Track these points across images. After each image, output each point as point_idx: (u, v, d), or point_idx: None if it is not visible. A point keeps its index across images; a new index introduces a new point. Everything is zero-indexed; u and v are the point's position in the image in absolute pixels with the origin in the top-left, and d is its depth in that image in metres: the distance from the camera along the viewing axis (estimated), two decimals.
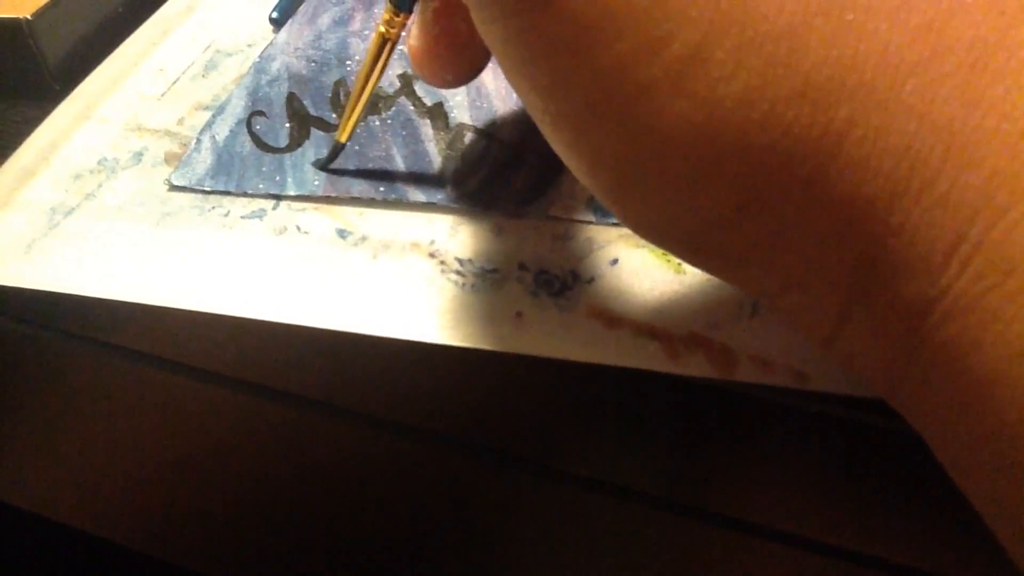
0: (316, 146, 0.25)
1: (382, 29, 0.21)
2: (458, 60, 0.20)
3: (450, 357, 0.21)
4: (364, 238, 0.23)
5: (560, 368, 0.20)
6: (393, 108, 0.25)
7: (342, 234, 0.23)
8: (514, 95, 0.25)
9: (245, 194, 0.24)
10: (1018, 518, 0.13)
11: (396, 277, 0.22)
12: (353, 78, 0.26)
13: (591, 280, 0.21)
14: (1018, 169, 0.12)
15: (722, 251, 0.15)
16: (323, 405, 0.25)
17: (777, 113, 0.13)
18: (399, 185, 0.24)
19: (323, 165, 0.24)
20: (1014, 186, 0.12)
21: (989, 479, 0.13)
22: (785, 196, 0.14)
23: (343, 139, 0.23)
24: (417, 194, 0.23)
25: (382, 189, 0.24)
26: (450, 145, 0.24)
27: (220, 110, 0.26)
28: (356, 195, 0.24)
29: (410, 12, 0.21)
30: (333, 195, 0.24)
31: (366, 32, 0.28)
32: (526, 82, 0.15)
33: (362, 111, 0.23)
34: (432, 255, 0.22)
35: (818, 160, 0.13)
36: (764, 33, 0.13)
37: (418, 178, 0.24)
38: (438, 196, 0.23)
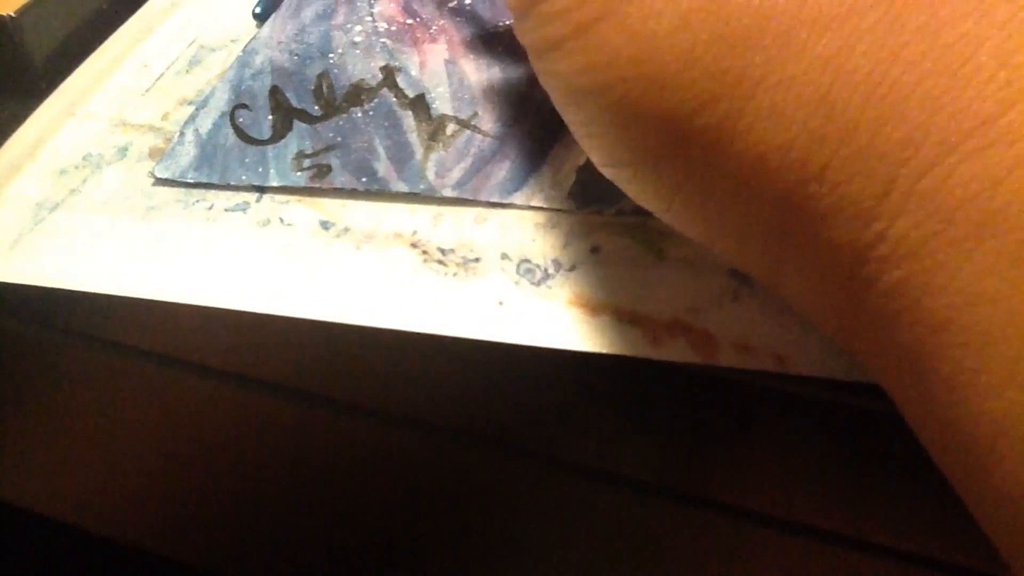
0: (299, 137, 0.25)
1: None
2: None
3: (434, 346, 0.21)
4: (347, 229, 0.23)
5: (548, 357, 0.20)
6: (376, 100, 0.25)
7: (325, 225, 0.23)
8: (496, 86, 0.25)
9: (228, 185, 0.24)
10: (977, 477, 0.13)
11: (379, 267, 0.22)
12: (336, 71, 0.27)
13: (573, 268, 0.21)
14: (943, 122, 0.12)
15: (659, 189, 0.17)
16: (310, 396, 0.26)
17: (697, 53, 0.14)
18: (381, 176, 0.24)
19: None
20: (940, 139, 0.12)
21: (947, 435, 0.13)
22: (704, 137, 0.15)
23: None
24: (400, 185, 0.23)
25: (364, 180, 0.24)
26: (432, 136, 0.24)
27: (203, 103, 0.26)
28: (339, 186, 0.24)
29: None
30: (316, 186, 0.24)
31: (349, 26, 0.28)
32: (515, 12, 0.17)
33: None
34: (414, 245, 0.22)
35: (733, 103, 0.14)
36: None
37: (401, 169, 0.24)
38: (420, 187, 0.23)
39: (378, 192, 0.23)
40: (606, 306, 0.20)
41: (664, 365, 0.20)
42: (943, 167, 0.12)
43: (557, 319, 0.20)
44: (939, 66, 0.13)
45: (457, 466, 0.27)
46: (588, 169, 0.23)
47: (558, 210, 0.23)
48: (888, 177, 0.13)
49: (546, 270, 0.21)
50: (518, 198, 0.23)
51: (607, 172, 0.18)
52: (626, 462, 0.24)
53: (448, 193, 0.23)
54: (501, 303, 0.21)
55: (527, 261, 0.22)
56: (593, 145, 0.18)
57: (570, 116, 0.17)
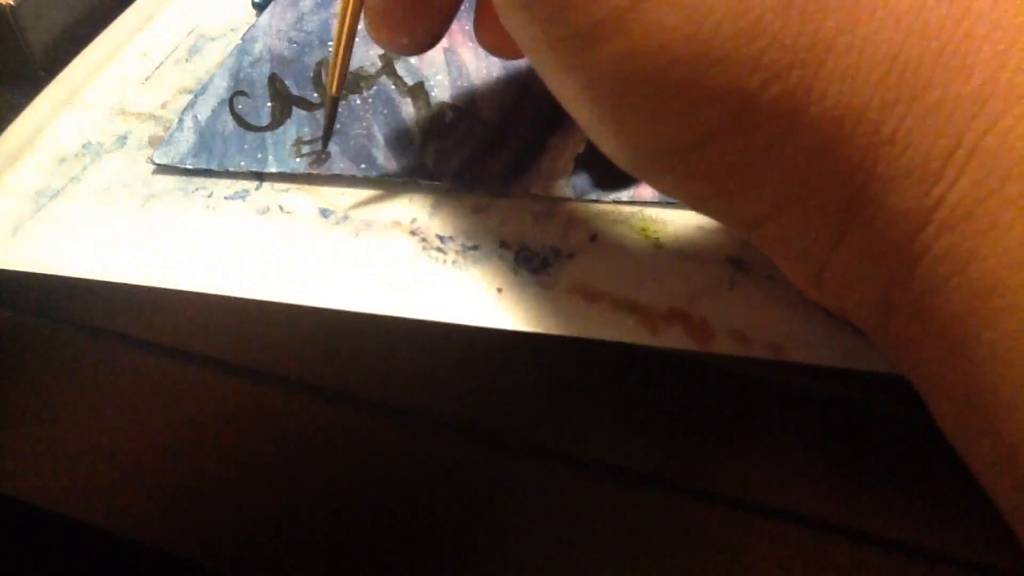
0: (298, 124, 0.25)
1: None
2: (413, 21, 0.20)
3: (432, 334, 0.21)
4: (346, 217, 0.23)
5: (546, 345, 0.20)
6: (374, 88, 0.25)
7: (324, 213, 0.23)
8: (495, 75, 0.25)
9: (227, 172, 0.24)
10: (1011, 449, 0.13)
11: (378, 255, 0.22)
12: None
13: (571, 256, 0.21)
14: (1009, 76, 0.12)
15: (710, 174, 0.15)
16: (308, 385, 0.26)
17: (765, 22, 0.13)
18: (380, 163, 0.24)
19: (326, 127, 0.23)
20: (1007, 93, 0.12)
21: (977, 406, 0.13)
22: (774, 109, 0.14)
23: (334, 90, 0.22)
24: (399, 173, 0.23)
25: (363, 167, 0.24)
26: (431, 124, 0.24)
27: (202, 90, 0.26)
28: (337, 172, 0.24)
29: None
30: (314, 173, 0.24)
31: None
32: (522, 11, 0.15)
33: (347, 53, 0.22)
34: (413, 233, 0.22)
35: (806, 71, 0.13)
36: None
37: (400, 157, 0.24)
38: (419, 175, 0.23)
39: (377, 179, 0.24)
40: (604, 294, 0.21)
41: (662, 356, 0.20)
42: (1006, 121, 0.12)
43: (555, 307, 0.20)
44: (1006, 19, 0.12)
45: (454, 455, 0.27)
46: (586, 158, 0.23)
47: (556, 198, 0.23)
48: (955, 135, 0.13)
49: (544, 258, 0.21)
50: (517, 186, 0.23)
51: (642, 166, 0.17)
52: (623, 453, 0.24)
53: (447, 181, 0.23)
54: (500, 291, 0.21)
55: (525, 249, 0.22)
56: (627, 142, 0.16)
57: (600, 113, 0.16)
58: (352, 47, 0.22)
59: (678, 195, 0.17)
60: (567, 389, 0.23)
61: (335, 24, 0.22)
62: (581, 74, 0.15)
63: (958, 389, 0.14)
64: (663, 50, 0.14)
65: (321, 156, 0.24)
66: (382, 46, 0.21)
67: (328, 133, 0.23)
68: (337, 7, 0.28)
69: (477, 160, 0.23)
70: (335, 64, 0.22)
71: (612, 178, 0.23)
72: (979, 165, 0.12)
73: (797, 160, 0.14)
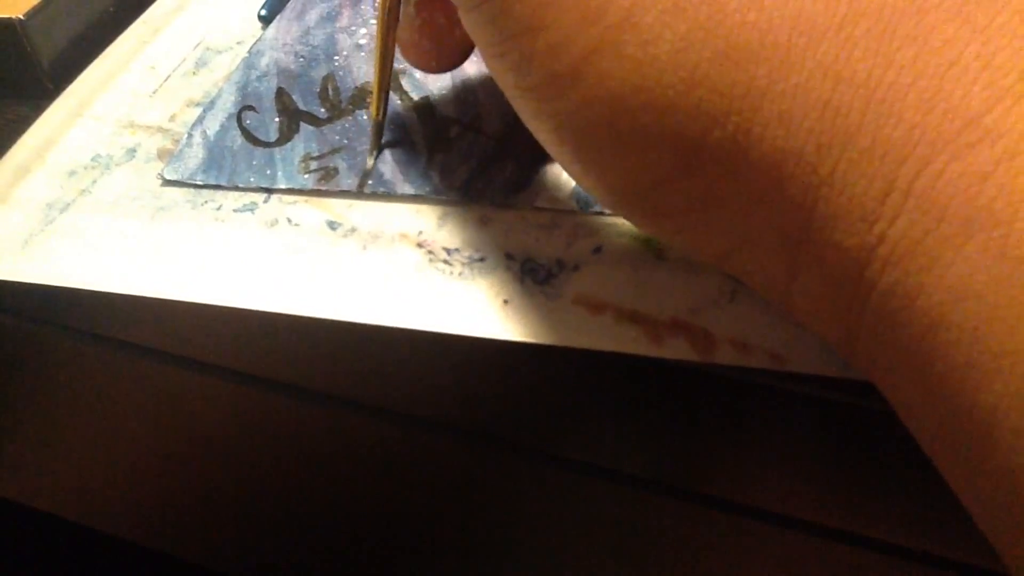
0: (305, 140, 0.25)
1: None
2: (439, 50, 0.22)
3: (438, 345, 0.21)
4: (353, 229, 0.23)
5: (552, 355, 0.21)
6: None
7: (332, 226, 0.23)
8: (499, 89, 0.26)
9: (236, 188, 0.25)
10: (972, 469, 0.13)
11: (385, 266, 0.22)
12: (341, 73, 0.27)
13: (576, 268, 0.22)
14: (936, 122, 0.13)
15: (671, 211, 0.17)
16: (316, 394, 0.26)
17: (702, 72, 0.14)
18: (388, 179, 0.24)
19: (373, 151, 0.25)
20: (933, 139, 0.13)
21: (943, 430, 0.14)
22: (716, 153, 0.15)
23: (377, 116, 0.24)
24: (405, 186, 0.24)
25: (371, 182, 0.24)
26: (437, 138, 0.25)
27: (210, 105, 0.27)
28: (345, 188, 0.24)
29: None
30: (323, 188, 0.24)
31: (353, 28, 0.28)
32: (498, 60, 0.17)
33: (386, 81, 0.24)
34: (420, 245, 0.23)
35: (743, 116, 0.14)
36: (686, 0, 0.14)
37: (406, 171, 0.24)
38: (426, 188, 0.24)
39: (384, 194, 0.24)
40: (608, 305, 0.21)
41: (664, 363, 0.20)
42: (935, 165, 0.13)
43: (560, 318, 0.21)
44: (929, 68, 0.13)
45: (459, 463, 0.27)
46: None
47: (561, 210, 0.23)
48: (889, 177, 0.13)
49: (550, 270, 0.22)
50: (522, 199, 0.23)
51: (611, 204, 0.18)
52: (625, 459, 0.24)
53: (453, 194, 0.24)
54: (506, 302, 0.21)
55: (531, 261, 0.22)
56: (595, 182, 0.17)
57: (569, 155, 0.17)
58: (390, 77, 0.24)
59: (648, 231, 0.18)
60: (569, 395, 0.23)
61: (375, 54, 0.23)
62: (549, 120, 0.17)
63: (924, 410, 0.14)
64: (615, 100, 0.15)
65: (329, 172, 0.24)
66: (414, 67, 0.23)
67: (376, 150, 0.25)
68: (343, 21, 0.28)
69: (482, 173, 0.24)
70: (376, 93, 0.24)
71: None
72: (914, 206, 0.13)
73: (743, 201, 0.15)
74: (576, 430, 0.24)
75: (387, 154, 0.25)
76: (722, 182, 0.15)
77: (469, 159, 0.24)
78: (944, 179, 0.13)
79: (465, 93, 0.26)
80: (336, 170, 0.24)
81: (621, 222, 0.23)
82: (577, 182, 0.18)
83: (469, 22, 0.17)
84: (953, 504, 0.15)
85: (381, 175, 0.24)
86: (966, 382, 0.13)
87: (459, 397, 0.24)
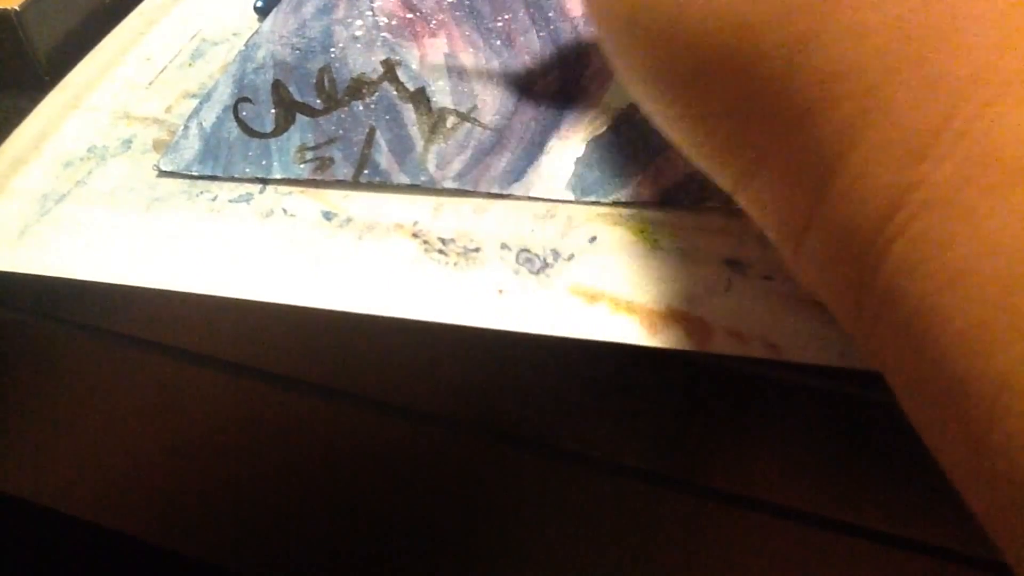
0: (301, 131, 0.25)
1: None
2: None
3: (434, 335, 0.21)
4: (349, 220, 0.23)
5: (547, 345, 0.21)
6: (376, 94, 0.26)
7: (327, 216, 0.23)
8: (495, 79, 0.26)
9: (232, 178, 0.25)
10: (973, 448, 0.13)
11: (381, 257, 0.22)
12: (337, 64, 0.27)
13: (571, 258, 0.22)
14: (1006, 62, 0.12)
15: (710, 110, 0.16)
16: (311, 385, 0.26)
17: None
18: (383, 168, 0.24)
19: None
20: (1003, 78, 0.12)
21: (940, 397, 0.13)
22: (776, 50, 0.14)
23: None
24: (401, 177, 0.24)
25: (367, 172, 0.24)
26: (433, 129, 0.25)
27: (207, 97, 0.27)
28: (341, 178, 0.24)
29: None
30: (318, 178, 0.24)
31: (349, 20, 0.28)
32: None
33: None
34: (415, 235, 0.23)
35: (814, 19, 0.13)
36: None
37: (402, 161, 0.24)
38: (421, 179, 0.24)
39: (380, 184, 0.24)
40: (603, 295, 0.21)
41: (661, 355, 0.20)
42: (997, 108, 0.12)
43: (556, 308, 0.21)
44: (1011, 9, 0.12)
45: (456, 454, 0.27)
46: (586, 161, 0.24)
47: (557, 200, 0.23)
48: (946, 112, 0.13)
49: (545, 259, 0.22)
50: (517, 189, 0.23)
51: (651, 92, 0.17)
52: (623, 450, 0.24)
53: (448, 184, 0.24)
54: (501, 292, 0.21)
55: (526, 251, 0.22)
56: (646, 54, 0.16)
57: (623, 24, 0.17)
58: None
59: (676, 133, 0.17)
60: (566, 385, 0.23)
61: None
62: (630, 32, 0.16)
63: (927, 383, 0.13)
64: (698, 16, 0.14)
65: (325, 162, 0.24)
66: None
67: None
68: (339, 13, 0.28)
69: (478, 163, 0.24)
70: None
71: (611, 180, 0.23)
72: (965, 149, 0.12)
73: (788, 112, 0.14)
74: (572, 421, 0.24)
75: (383, 144, 0.25)
76: (772, 85, 0.14)
77: (465, 149, 0.24)
78: (1003, 123, 0.12)
79: (462, 84, 0.26)
80: (332, 160, 0.24)
81: (617, 212, 0.23)
82: (622, 66, 0.17)
83: None
84: (950, 494, 0.15)
85: (377, 165, 0.24)
86: (980, 342, 0.12)
87: (454, 387, 0.24)
